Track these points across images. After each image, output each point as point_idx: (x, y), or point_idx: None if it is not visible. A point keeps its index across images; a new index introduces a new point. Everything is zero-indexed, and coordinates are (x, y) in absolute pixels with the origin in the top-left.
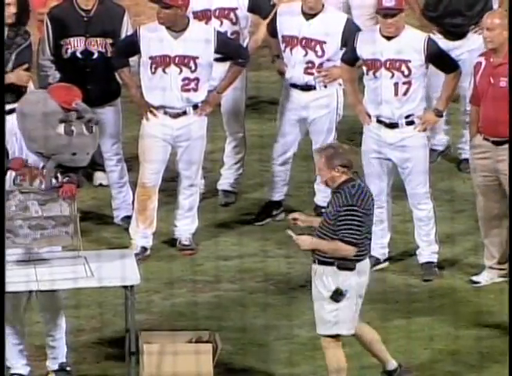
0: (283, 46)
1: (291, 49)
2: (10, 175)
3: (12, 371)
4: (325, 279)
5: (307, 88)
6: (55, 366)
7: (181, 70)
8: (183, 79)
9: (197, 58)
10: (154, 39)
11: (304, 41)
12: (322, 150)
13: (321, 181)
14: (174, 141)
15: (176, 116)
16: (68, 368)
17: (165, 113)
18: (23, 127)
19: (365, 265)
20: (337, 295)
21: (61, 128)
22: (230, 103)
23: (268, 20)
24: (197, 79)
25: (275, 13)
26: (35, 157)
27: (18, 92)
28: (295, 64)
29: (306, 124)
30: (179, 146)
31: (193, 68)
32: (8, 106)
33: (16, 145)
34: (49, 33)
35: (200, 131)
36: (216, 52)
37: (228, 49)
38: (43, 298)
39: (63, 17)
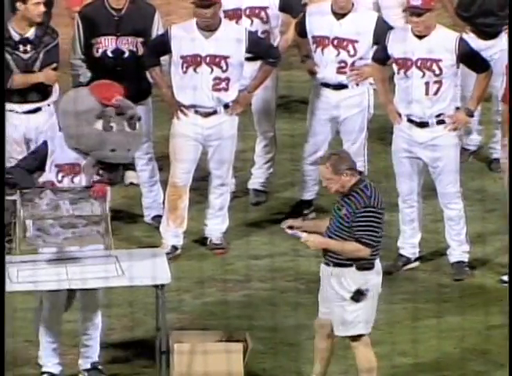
0: (313, 46)
1: (323, 49)
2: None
3: (44, 369)
4: (343, 280)
5: (339, 87)
6: (88, 365)
7: (212, 70)
8: (214, 79)
9: (228, 57)
10: (185, 39)
11: (336, 40)
12: (326, 159)
13: (331, 191)
14: (205, 140)
15: (207, 115)
16: (100, 367)
17: (196, 112)
18: (63, 124)
19: (378, 263)
20: (358, 296)
21: (99, 124)
22: (261, 103)
23: (296, 20)
24: (228, 79)
25: (304, 14)
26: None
27: (44, 91)
28: (327, 64)
29: (337, 124)
30: (210, 145)
31: (224, 68)
32: (34, 105)
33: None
34: (80, 32)
35: (230, 130)
36: (247, 51)
37: (259, 49)
38: (84, 297)
39: (94, 16)
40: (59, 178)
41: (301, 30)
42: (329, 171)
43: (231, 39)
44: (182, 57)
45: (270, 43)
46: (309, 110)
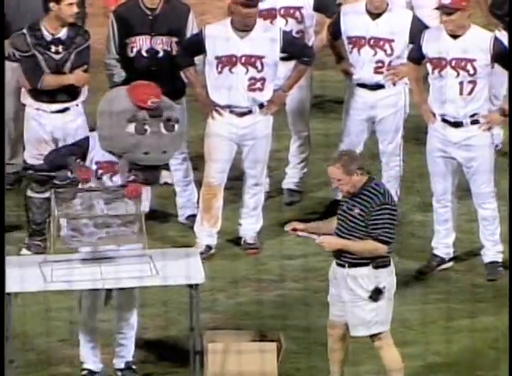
0: (349, 47)
1: (359, 50)
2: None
3: (85, 366)
4: (361, 280)
5: (376, 87)
6: (122, 365)
7: (247, 70)
8: (249, 79)
9: (263, 57)
10: (220, 39)
11: (372, 40)
12: (336, 160)
13: (343, 192)
14: (239, 140)
15: (242, 115)
16: (134, 367)
17: (231, 112)
18: (98, 124)
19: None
20: (377, 294)
21: (131, 127)
22: (295, 102)
23: (330, 22)
24: (263, 79)
25: (338, 15)
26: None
27: (73, 91)
28: (364, 64)
29: (373, 124)
30: (245, 144)
31: (260, 68)
32: (63, 105)
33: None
34: (115, 31)
35: (265, 130)
36: (282, 51)
37: (293, 48)
38: (120, 296)
39: (128, 16)
40: (99, 175)
41: (335, 32)
42: (340, 172)
43: (266, 39)
44: (216, 58)
45: (304, 42)
46: (344, 110)
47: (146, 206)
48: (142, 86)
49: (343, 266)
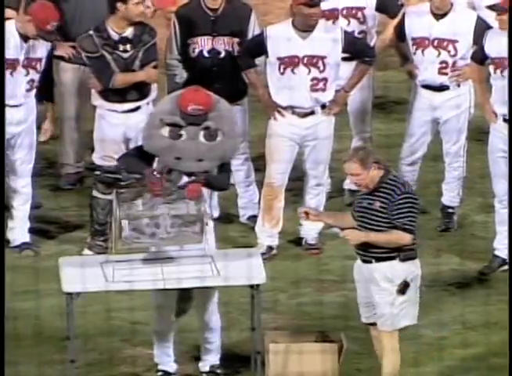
0: (413, 48)
1: (423, 51)
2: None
3: (159, 367)
4: (389, 274)
5: (441, 88)
6: (207, 368)
7: (309, 71)
8: (312, 79)
9: (325, 57)
10: (282, 39)
11: (436, 41)
12: (352, 156)
13: (361, 187)
14: (301, 140)
15: (304, 115)
16: (219, 371)
17: (293, 113)
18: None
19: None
20: (404, 287)
21: (165, 131)
22: (357, 103)
23: (395, 22)
24: (325, 79)
25: (403, 16)
26: None
27: (144, 89)
28: (428, 65)
29: (437, 125)
30: (307, 145)
31: (322, 68)
32: (134, 104)
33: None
34: (177, 32)
35: (327, 130)
36: (343, 51)
37: (355, 48)
38: (198, 299)
39: (190, 16)
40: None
41: (400, 33)
42: (357, 167)
43: (327, 39)
44: (278, 58)
45: (366, 42)
46: (408, 111)
47: (215, 211)
48: (191, 91)
49: (369, 262)
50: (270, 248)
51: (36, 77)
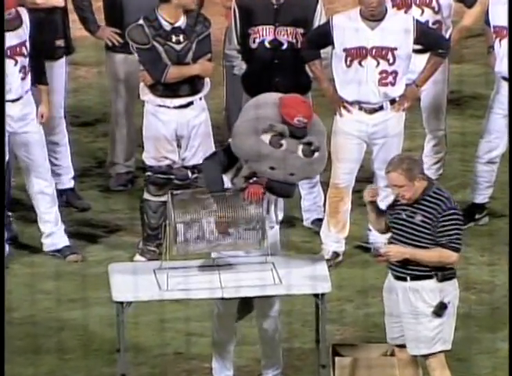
0: (494, 37)
1: (500, 40)
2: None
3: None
4: (425, 294)
5: None
6: None
7: (378, 63)
8: (380, 72)
9: (396, 49)
10: (349, 29)
11: None
12: (397, 166)
13: (405, 199)
14: (369, 138)
15: (372, 111)
16: None
17: (360, 108)
18: (236, 122)
19: None
20: (441, 310)
21: (266, 137)
22: (430, 98)
23: (473, 12)
24: (395, 72)
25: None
26: None
27: (196, 84)
28: (503, 56)
29: None
30: (375, 143)
31: (391, 60)
32: (186, 99)
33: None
34: (237, 21)
35: (397, 127)
36: (415, 42)
37: (428, 40)
38: (258, 307)
39: (251, 5)
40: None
41: (487, 19)
42: (403, 178)
43: (398, 30)
44: (345, 50)
45: (440, 33)
46: (489, 106)
47: (279, 215)
48: (295, 100)
49: (403, 280)
50: (336, 254)
51: (26, 62)
